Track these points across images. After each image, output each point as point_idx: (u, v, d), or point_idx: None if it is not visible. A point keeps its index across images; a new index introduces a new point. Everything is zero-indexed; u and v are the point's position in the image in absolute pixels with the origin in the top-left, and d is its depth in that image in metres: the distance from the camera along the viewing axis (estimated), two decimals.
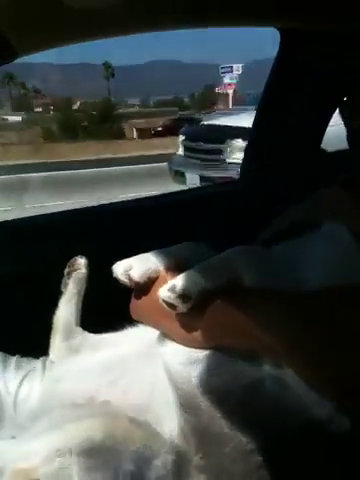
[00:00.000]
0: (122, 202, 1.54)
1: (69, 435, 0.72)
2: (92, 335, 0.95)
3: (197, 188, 1.68)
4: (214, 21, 1.20)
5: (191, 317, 0.75)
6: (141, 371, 0.83)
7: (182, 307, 0.73)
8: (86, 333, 0.96)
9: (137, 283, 0.81)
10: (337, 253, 0.76)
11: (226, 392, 0.74)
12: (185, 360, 0.77)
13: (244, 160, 1.66)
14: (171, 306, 0.73)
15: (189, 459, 0.75)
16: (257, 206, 1.43)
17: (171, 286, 0.73)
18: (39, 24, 0.86)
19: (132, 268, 0.81)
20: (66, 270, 0.98)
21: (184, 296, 0.73)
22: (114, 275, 0.82)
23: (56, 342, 0.94)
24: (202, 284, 0.73)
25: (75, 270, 0.98)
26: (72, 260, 0.99)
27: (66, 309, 0.96)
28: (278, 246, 0.83)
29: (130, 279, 0.81)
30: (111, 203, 1.52)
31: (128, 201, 1.57)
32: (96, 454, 0.71)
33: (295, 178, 1.45)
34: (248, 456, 0.72)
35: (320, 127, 1.54)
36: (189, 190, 1.66)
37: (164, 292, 0.73)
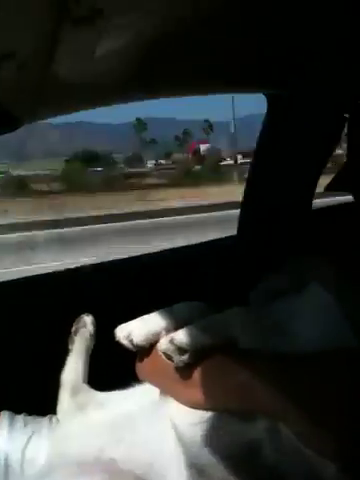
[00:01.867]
0: (123, 259, 1.57)
1: None
2: (99, 393, 0.96)
3: (193, 245, 1.70)
4: (198, 89, 1.28)
5: (190, 375, 0.78)
6: (147, 429, 0.84)
7: (179, 360, 0.76)
8: (93, 391, 0.97)
9: (139, 347, 0.83)
10: (323, 316, 0.79)
11: (230, 452, 0.75)
12: (190, 420, 0.79)
13: (240, 215, 1.70)
14: (169, 358, 0.77)
15: None
16: (252, 263, 1.46)
17: (170, 338, 0.77)
18: (40, 97, 0.92)
19: (133, 332, 0.83)
20: (73, 328, 1.00)
21: (181, 349, 0.76)
22: (116, 339, 0.84)
23: (63, 399, 0.95)
24: (199, 339, 0.77)
25: (81, 328, 1.00)
26: (78, 318, 1.01)
27: (73, 367, 0.98)
28: (271, 307, 0.85)
29: (132, 344, 0.83)
30: (113, 260, 1.56)
31: (128, 258, 1.60)
32: None
33: (289, 235, 1.48)
34: None
35: (312, 185, 1.59)
36: (186, 246, 1.69)
37: (163, 343, 0.77)
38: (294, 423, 0.71)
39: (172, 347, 0.76)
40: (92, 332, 1.01)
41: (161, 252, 1.62)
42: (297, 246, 1.15)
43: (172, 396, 0.83)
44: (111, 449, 0.83)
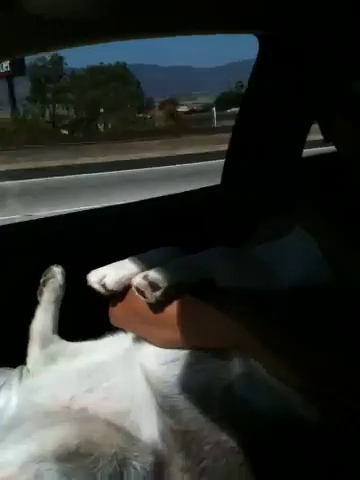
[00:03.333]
0: (101, 208, 1.53)
1: (44, 442, 0.72)
2: (70, 343, 0.95)
3: (177, 194, 1.66)
4: (188, 28, 1.20)
5: (164, 314, 0.77)
6: (119, 376, 0.83)
7: (151, 296, 0.75)
8: (64, 341, 0.95)
9: (112, 291, 0.82)
10: (303, 256, 0.79)
11: (203, 391, 0.75)
12: (162, 361, 0.78)
13: (225, 164, 1.67)
14: (142, 294, 0.76)
15: (171, 460, 0.75)
16: (237, 212, 1.43)
17: (144, 274, 0.76)
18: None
19: (106, 276, 0.81)
20: (41, 279, 0.98)
21: (154, 285, 0.75)
22: (88, 284, 0.82)
23: (33, 351, 0.94)
24: (173, 278, 0.76)
25: (50, 279, 0.98)
26: (47, 269, 0.99)
27: (42, 318, 0.96)
28: (254, 249, 0.85)
29: (105, 288, 0.81)
30: (91, 209, 1.52)
31: (107, 207, 1.56)
32: (73, 459, 0.71)
33: (275, 183, 1.45)
34: (229, 454, 0.72)
35: (301, 136, 1.54)
36: (169, 196, 1.65)
37: (137, 279, 0.76)
38: (265, 361, 0.71)
39: (145, 282, 0.75)
40: (61, 283, 0.98)
41: (142, 201, 1.57)
42: (284, 194, 1.13)
43: (146, 337, 0.82)
44: (82, 398, 0.83)
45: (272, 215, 0.93)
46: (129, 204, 1.59)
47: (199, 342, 0.77)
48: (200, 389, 0.75)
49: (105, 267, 0.83)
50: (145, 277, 0.75)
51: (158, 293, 0.75)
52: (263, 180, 1.49)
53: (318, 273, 0.75)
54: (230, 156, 1.61)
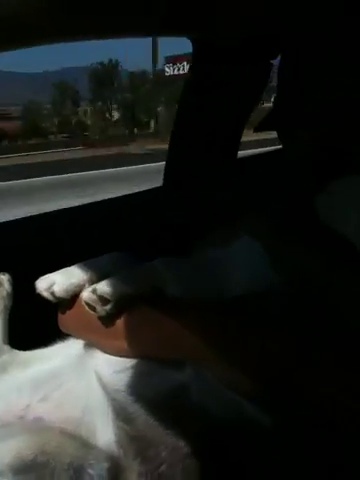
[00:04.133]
0: (42, 214, 1.50)
1: (0, 455, 0.71)
2: (21, 352, 0.94)
3: (123, 196, 1.66)
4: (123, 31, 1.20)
5: (115, 325, 0.77)
6: (73, 383, 0.82)
7: (101, 310, 0.75)
8: (15, 351, 0.94)
9: (61, 298, 0.81)
10: (251, 263, 0.80)
11: (157, 398, 0.75)
12: (115, 369, 0.78)
13: (166, 166, 1.68)
14: (92, 308, 0.75)
15: (127, 466, 0.75)
16: (180, 215, 1.45)
17: (92, 288, 0.75)
18: None
19: (55, 284, 0.80)
20: None
21: (103, 299, 0.74)
22: (37, 291, 0.81)
23: None
24: (122, 289, 0.75)
25: None
26: None
27: None
28: (203, 257, 0.86)
29: (54, 295, 0.80)
30: (36, 215, 1.48)
31: (53, 212, 1.54)
32: (29, 471, 0.70)
33: (215, 185, 1.48)
34: (186, 459, 0.73)
35: (236, 132, 1.58)
36: (115, 198, 1.64)
37: (85, 293, 0.75)
38: (217, 369, 0.72)
39: (94, 297, 0.75)
40: (9, 291, 0.97)
41: (83, 206, 1.56)
42: (224, 197, 1.15)
43: (98, 347, 0.82)
44: (37, 407, 0.82)
45: (218, 221, 0.93)
46: (71, 208, 1.57)
47: (151, 352, 0.77)
48: (154, 397, 0.75)
49: (53, 274, 0.82)
50: (94, 291, 0.75)
51: (108, 307, 0.75)
52: (203, 180, 1.51)
53: (266, 278, 0.77)
54: (171, 157, 1.63)
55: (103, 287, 0.75)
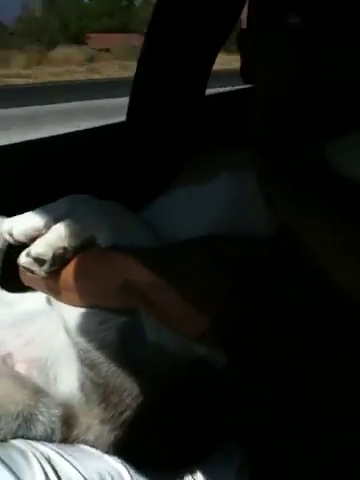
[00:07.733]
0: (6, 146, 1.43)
1: None
2: (6, 293, 0.93)
3: (84, 130, 1.59)
4: None
5: (60, 279, 0.77)
6: (44, 324, 0.84)
7: (40, 271, 0.75)
8: (3, 291, 0.92)
9: (21, 242, 0.80)
10: (230, 205, 0.78)
11: (117, 344, 0.76)
12: (77, 315, 0.79)
13: (130, 100, 1.62)
14: (30, 271, 0.75)
15: (89, 411, 0.77)
16: (143, 152, 1.41)
17: (27, 251, 0.75)
18: None
19: (13, 228, 0.81)
20: None
21: (39, 260, 0.74)
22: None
23: None
24: (55, 246, 0.75)
25: None
26: None
27: None
28: (174, 192, 0.84)
29: (13, 238, 0.80)
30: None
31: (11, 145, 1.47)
32: None
33: (180, 122, 1.44)
34: (148, 405, 0.75)
35: (205, 69, 1.53)
36: (77, 132, 1.58)
37: (21, 259, 0.75)
38: (160, 311, 0.71)
39: (30, 260, 0.74)
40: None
41: (43, 139, 1.49)
42: (190, 133, 1.12)
43: (55, 298, 0.82)
44: (10, 343, 0.84)
45: (198, 155, 0.90)
46: (34, 140, 1.50)
47: (98, 302, 0.77)
48: (113, 343, 0.76)
49: (16, 217, 0.82)
50: (28, 254, 0.75)
51: (46, 267, 0.75)
52: (168, 116, 1.46)
53: (246, 220, 0.75)
54: (135, 92, 1.57)
55: (36, 249, 0.75)
